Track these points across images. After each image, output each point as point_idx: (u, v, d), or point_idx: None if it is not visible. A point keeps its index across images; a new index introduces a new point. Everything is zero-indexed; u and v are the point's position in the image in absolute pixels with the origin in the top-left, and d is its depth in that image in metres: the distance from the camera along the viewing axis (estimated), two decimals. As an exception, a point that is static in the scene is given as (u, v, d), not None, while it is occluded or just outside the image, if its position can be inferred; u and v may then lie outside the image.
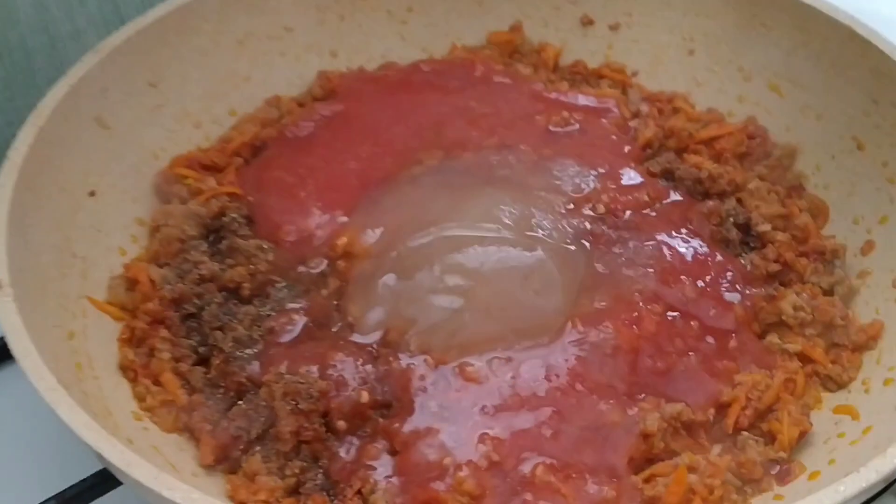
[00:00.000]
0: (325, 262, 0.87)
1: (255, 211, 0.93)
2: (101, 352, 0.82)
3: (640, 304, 0.81)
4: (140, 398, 0.80)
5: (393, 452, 0.74)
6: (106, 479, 0.75)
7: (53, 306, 0.81)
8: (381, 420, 0.76)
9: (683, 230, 0.89)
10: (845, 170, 0.97)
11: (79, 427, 0.63)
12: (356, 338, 0.81)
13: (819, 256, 0.90)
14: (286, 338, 0.82)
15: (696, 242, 0.88)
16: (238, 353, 0.81)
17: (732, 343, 0.81)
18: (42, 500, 0.76)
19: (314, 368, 0.77)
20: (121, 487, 0.74)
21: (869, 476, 0.59)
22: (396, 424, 0.75)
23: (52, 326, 0.78)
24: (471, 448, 0.72)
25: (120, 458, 0.61)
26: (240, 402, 0.78)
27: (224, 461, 0.76)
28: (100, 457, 0.62)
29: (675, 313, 0.82)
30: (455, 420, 0.74)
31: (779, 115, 1.03)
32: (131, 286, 0.87)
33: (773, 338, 0.83)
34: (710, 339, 0.81)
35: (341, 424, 0.75)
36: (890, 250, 0.90)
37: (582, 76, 1.12)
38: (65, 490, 0.77)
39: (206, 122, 1.04)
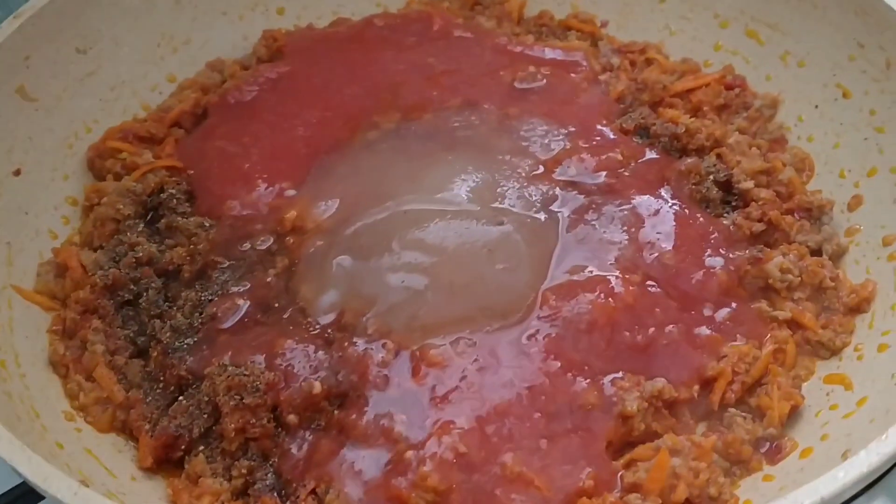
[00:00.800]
0: (272, 238, 0.80)
1: (196, 185, 0.86)
2: (29, 347, 0.75)
3: (617, 274, 0.75)
4: (72, 396, 0.73)
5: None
6: (30, 492, 0.68)
7: (-28, 297, 0.74)
8: (335, 412, 0.70)
9: (661, 191, 0.83)
10: (830, 120, 0.91)
11: (-8, 440, 0.57)
12: (308, 322, 0.74)
13: (805, 213, 0.84)
14: (230, 324, 0.75)
15: (674, 204, 0.82)
16: (178, 343, 0.74)
17: (716, 312, 0.75)
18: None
19: (261, 358, 0.71)
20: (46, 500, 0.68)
21: (870, 459, 0.54)
22: (353, 416, 0.68)
23: (-31, 320, 0.72)
24: (434, 440, 0.66)
25: (35, 471, 0.54)
26: (181, 398, 0.71)
27: (165, 462, 0.70)
28: (13, 469, 0.56)
29: (653, 283, 0.75)
30: (417, 409, 0.68)
31: (758, 63, 0.97)
32: (61, 273, 0.80)
33: (762, 305, 0.77)
34: (692, 310, 0.75)
35: (292, 419, 0.69)
36: (879, 204, 0.84)
37: (548, 28, 1.05)
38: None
39: (142, 91, 0.97)
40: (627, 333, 0.72)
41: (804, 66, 0.94)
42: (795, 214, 0.84)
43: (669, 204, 0.81)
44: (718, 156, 0.87)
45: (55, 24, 0.88)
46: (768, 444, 0.69)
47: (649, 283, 0.75)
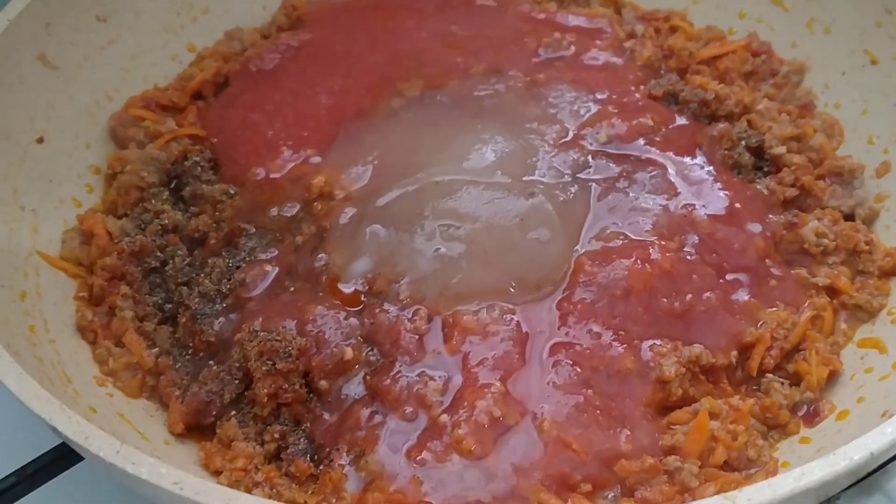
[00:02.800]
0: (299, 205, 0.79)
1: (220, 153, 0.85)
2: (57, 313, 0.74)
3: (653, 240, 0.74)
4: (101, 362, 0.73)
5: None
6: (68, 453, 0.67)
7: (1, 265, 0.73)
8: (368, 378, 0.69)
9: (693, 156, 0.82)
10: (858, 86, 0.90)
11: (29, 398, 0.56)
12: (340, 287, 0.73)
13: (836, 178, 0.83)
14: (259, 291, 0.74)
15: (708, 169, 0.81)
16: (206, 309, 0.74)
17: (755, 278, 0.74)
18: (1, 477, 0.69)
19: (291, 324, 0.70)
20: (84, 462, 0.67)
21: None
22: (386, 381, 0.68)
23: (0, 287, 0.71)
24: (469, 404, 0.65)
25: (76, 430, 0.54)
26: (211, 364, 0.71)
27: (196, 428, 0.69)
28: (53, 429, 0.55)
29: (690, 249, 0.74)
30: (451, 374, 0.67)
31: (783, 30, 0.96)
32: (87, 239, 0.80)
33: (801, 271, 0.77)
34: (730, 276, 0.74)
35: (324, 384, 0.68)
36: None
37: (571, -2, 1.04)
38: (26, 465, 0.70)
39: (163, 59, 0.96)
40: (665, 300, 0.71)
41: (830, 33, 0.93)
42: (826, 180, 0.83)
43: (704, 170, 0.80)
44: (748, 122, 0.86)
45: (75, -9, 0.87)
46: (806, 407, 0.68)
47: (686, 249, 0.74)
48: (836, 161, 0.84)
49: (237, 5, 1.01)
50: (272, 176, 0.82)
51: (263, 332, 0.69)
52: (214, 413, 0.69)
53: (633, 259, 0.72)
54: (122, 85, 0.92)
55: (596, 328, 0.69)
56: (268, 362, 0.67)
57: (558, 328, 0.69)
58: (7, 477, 0.69)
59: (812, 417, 0.68)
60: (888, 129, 0.86)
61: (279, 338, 0.68)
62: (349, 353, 0.69)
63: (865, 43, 0.90)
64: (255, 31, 1.00)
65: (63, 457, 0.70)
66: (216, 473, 0.66)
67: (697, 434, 0.63)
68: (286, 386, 0.67)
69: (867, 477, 0.56)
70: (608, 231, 0.76)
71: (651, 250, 0.73)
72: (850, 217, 0.81)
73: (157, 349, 0.74)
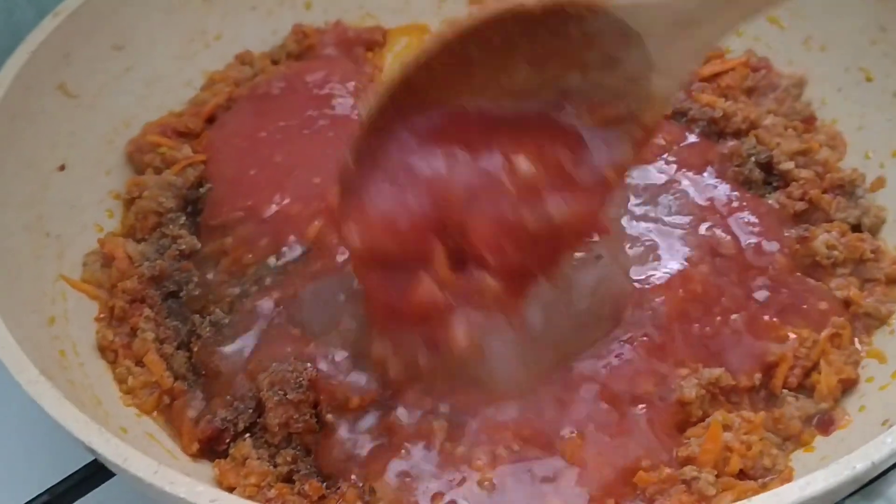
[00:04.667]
0: (300, 248, 0.80)
1: (213, 179, 0.87)
2: (84, 336, 0.77)
3: (685, 265, 0.75)
4: (121, 380, 0.75)
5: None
6: (98, 471, 0.70)
7: (30, 291, 0.75)
8: (378, 413, 0.70)
9: (706, 175, 0.84)
10: (853, 102, 0.92)
11: (68, 421, 0.59)
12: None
13: (839, 190, 0.85)
14: (268, 322, 0.75)
15: (724, 187, 0.83)
16: (218, 338, 0.76)
17: (777, 295, 0.76)
18: (33, 496, 0.71)
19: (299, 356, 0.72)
20: (114, 479, 0.70)
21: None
22: (395, 417, 0.69)
23: (30, 312, 0.73)
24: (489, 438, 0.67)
25: (115, 452, 0.56)
26: (223, 392, 0.73)
27: (208, 450, 0.71)
28: (92, 451, 0.58)
29: (718, 270, 0.76)
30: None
31: (780, 48, 0.99)
32: (107, 262, 0.82)
33: (820, 284, 0.79)
34: (755, 294, 0.75)
35: (330, 418, 0.70)
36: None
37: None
38: (56, 485, 0.72)
39: (177, 85, 0.98)
40: (696, 325, 0.72)
41: (826, 51, 0.95)
42: (830, 193, 0.85)
43: (720, 188, 0.82)
44: (756, 138, 0.88)
45: (92, 22, 0.89)
46: (818, 417, 0.70)
47: (714, 271, 0.75)
48: (837, 174, 0.86)
49: (249, 31, 1.03)
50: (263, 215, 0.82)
51: (275, 363, 0.71)
52: (228, 440, 0.70)
53: (670, 286, 0.74)
54: (139, 111, 0.94)
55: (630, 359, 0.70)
56: (279, 392, 0.69)
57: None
58: (40, 495, 0.71)
59: (827, 426, 0.69)
60: (884, 145, 0.88)
61: (291, 368, 0.70)
62: (355, 401, 0.70)
63: (860, 60, 0.92)
64: (265, 55, 1.02)
65: (92, 475, 0.72)
66: (229, 490, 0.67)
67: (711, 444, 0.65)
68: (296, 416, 0.69)
69: (869, 484, 0.58)
70: (646, 261, 0.77)
71: (683, 275, 0.74)
72: (857, 227, 0.83)
73: (173, 373, 0.76)
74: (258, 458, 0.69)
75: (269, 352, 0.72)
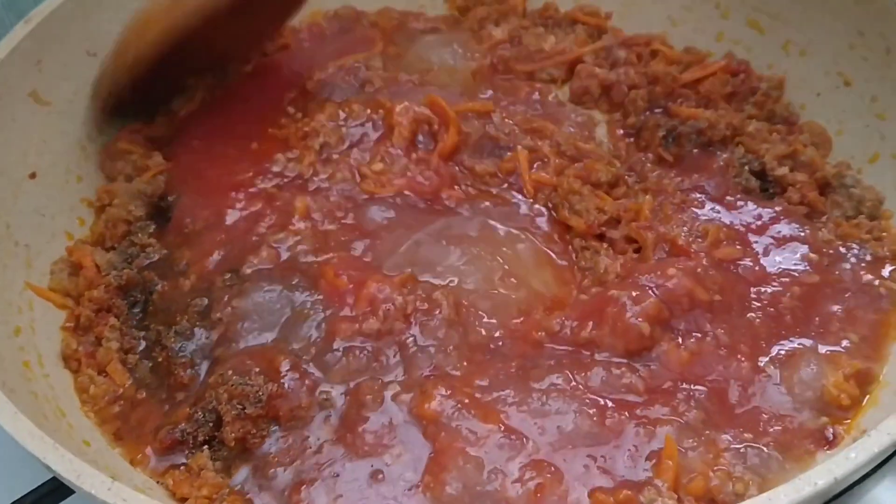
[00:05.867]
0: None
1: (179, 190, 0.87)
2: (51, 347, 0.76)
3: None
4: (82, 389, 0.74)
5: None
6: (59, 487, 0.69)
7: (-5, 301, 0.75)
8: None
9: (712, 190, 0.85)
10: (832, 107, 0.92)
11: (24, 437, 0.58)
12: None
13: (828, 187, 0.85)
14: (233, 333, 0.74)
15: (736, 198, 0.84)
16: (181, 348, 0.74)
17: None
18: (-3, 509, 0.71)
19: (260, 370, 0.71)
20: (75, 495, 0.69)
21: (880, 440, 0.55)
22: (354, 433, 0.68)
23: (-6, 323, 0.73)
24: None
25: (69, 469, 0.56)
26: (184, 403, 0.72)
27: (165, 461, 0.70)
28: (46, 467, 0.57)
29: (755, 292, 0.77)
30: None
31: (759, 52, 0.98)
32: (75, 271, 0.81)
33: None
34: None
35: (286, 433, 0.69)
36: (882, 191, 0.85)
37: (553, 20, 1.06)
38: (23, 496, 0.71)
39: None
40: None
41: (805, 55, 0.95)
42: (822, 191, 0.85)
43: (731, 202, 0.83)
44: (740, 145, 0.88)
45: (65, 28, 0.89)
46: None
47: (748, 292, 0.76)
48: (822, 171, 0.86)
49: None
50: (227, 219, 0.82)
51: (236, 377, 0.69)
52: (186, 452, 0.69)
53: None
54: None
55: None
56: (238, 406, 0.68)
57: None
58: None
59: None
60: (862, 150, 0.88)
61: (251, 382, 0.69)
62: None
63: (839, 65, 0.92)
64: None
65: (56, 489, 0.71)
66: (182, 501, 0.67)
67: (668, 458, 0.64)
68: (254, 431, 0.68)
69: (836, 498, 0.58)
70: None
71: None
72: (857, 214, 0.84)
73: (136, 381, 0.75)
74: (214, 470, 0.68)
75: (233, 363, 0.71)
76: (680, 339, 0.73)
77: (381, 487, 0.65)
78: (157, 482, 0.67)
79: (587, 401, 0.68)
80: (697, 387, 0.70)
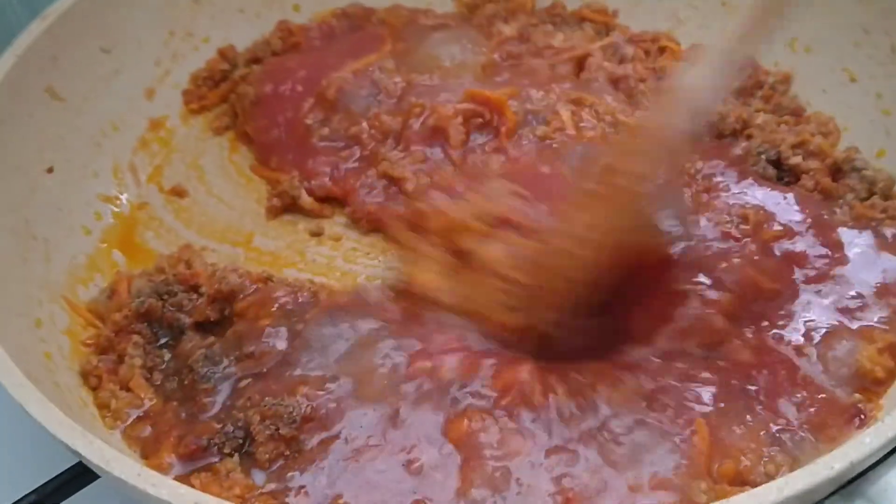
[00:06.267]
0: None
1: None
2: (70, 340, 0.77)
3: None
4: (103, 405, 0.73)
5: None
6: (84, 473, 0.70)
7: (16, 294, 0.76)
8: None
9: (734, 176, 0.86)
10: (837, 104, 0.93)
11: (52, 425, 0.59)
12: None
13: (839, 173, 0.86)
14: (267, 367, 0.73)
15: (760, 188, 0.85)
16: (210, 372, 0.74)
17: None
18: (19, 497, 0.71)
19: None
20: (100, 480, 0.70)
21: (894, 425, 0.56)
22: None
23: (17, 315, 0.74)
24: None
25: (98, 455, 0.57)
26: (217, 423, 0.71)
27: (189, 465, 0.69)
28: (76, 453, 0.58)
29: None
30: None
31: (765, 49, 0.97)
32: (111, 296, 0.81)
33: None
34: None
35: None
36: (889, 184, 0.87)
37: (561, 18, 1.07)
38: (43, 485, 0.72)
39: (165, 88, 0.99)
40: None
41: (811, 52, 0.96)
42: (834, 177, 0.86)
43: (753, 186, 0.84)
44: (748, 136, 0.89)
45: (80, 25, 0.90)
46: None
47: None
48: (831, 157, 0.87)
49: (236, 34, 1.03)
50: None
51: (268, 398, 0.69)
52: (212, 460, 0.68)
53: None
54: (126, 114, 0.95)
55: None
56: (271, 427, 0.68)
57: None
58: (26, 496, 0.71)
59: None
60: (867, 145, 0.89)
61: (285, 403, 0.69)
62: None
63: (845, 61, 0.93)
64: (248, 51, 1.02)
65: (79, 476, 0.71)
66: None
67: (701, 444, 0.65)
68: (287, 452, 0.68)
69: (849, 483, 0.59)
70: None
71: None
72: (871, 194, 0.85)
73: (159, 397, 0.74)
74: (243, 473, 0.67)
75: (261, 387, 0.71)
76: (744, 334, 0.73)
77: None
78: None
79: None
80: (750, 382, 0.71)
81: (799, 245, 0.79)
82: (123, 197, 0.92)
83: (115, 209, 0.91)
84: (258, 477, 0.67)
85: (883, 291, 0.76)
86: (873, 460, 0.56)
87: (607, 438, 0.67)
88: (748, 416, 0.68)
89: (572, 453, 0.66)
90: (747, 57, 0.69)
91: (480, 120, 0.91)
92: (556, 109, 0.92)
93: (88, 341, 0.78)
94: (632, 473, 0.64)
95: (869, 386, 0.71)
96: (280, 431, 0.68)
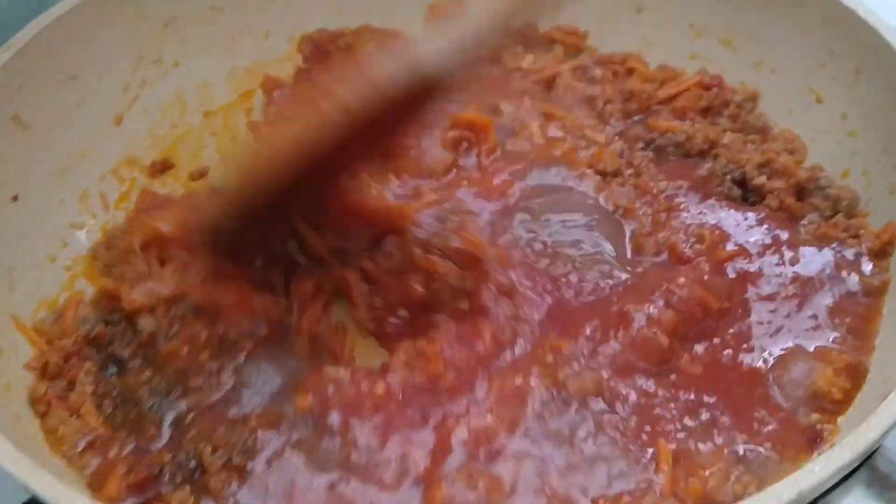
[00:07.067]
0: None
1: None
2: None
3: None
4: (51, 431, 0.72)
5: None
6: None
7: (-22, 323, 0.76)
8: None
9: (700, 197, 0.88)
10: (803, 125, 0.94)
11: (4, 460, 0.59)
12: None
13: (803, 191, 0.87)
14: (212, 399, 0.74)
15: (722, 207, 0.86)
16: (156, 405, 0.74)
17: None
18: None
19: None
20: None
21: (843, 455, 0.56)
22: None
23: (-23, 346, 0.74)
24: None
25: (51, 492, 0.56)
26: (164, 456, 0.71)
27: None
28: (27, 489, 0.58)
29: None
30: None
31: (732, 70, 1.00)
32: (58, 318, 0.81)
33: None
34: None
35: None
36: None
37: (532, 39, 1.08)
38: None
39: (133, 114, 0.99)
40: None
41: (776, 73, 0.97)
42: (799, 196, 0.87)
43: (715, 206, 0.86)
44: (719, 156, 0.90)
45: (47, 52, 0.90)
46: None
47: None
48: (796, 177, 0.87)
49: (204, 61, 1.04)
50: None
51: (221, 428, 0.70)
52: (162, 489, 0.68)
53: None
54: (92, 141, 0.94)
55: None
56: (223, 456, 0.68)
57: None
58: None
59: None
60: (831, 166, 0.90)
61: (237, 432, 0.69)
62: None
63: (810, 82, 0.94)
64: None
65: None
66: None
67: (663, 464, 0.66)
68: (240, 480, 0.68)
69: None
70: None
71: None
72: (835, 213, 0.86)
73: (109, 425, 0.74)
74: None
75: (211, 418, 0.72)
76: (694, 351, 0.75)
77: None
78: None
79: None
80: (707, 396, 0.72)
81: (755, 265, 0.80)
82: (90, 224, 0.91)
83: (82, 237, 0.90)
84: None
85: (838, 311, 0.77)
86: (824, 489, 0.56)
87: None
88: (712, 433, 0.70)
89: None
90: (491, 35, 0.71)
91: (466, 144, 0.93)
92: (525, 122, 0.94)
93: (32, 364, 0.77)
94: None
95: (827, 406, 0.71)
96: (233, 461, 0.68)
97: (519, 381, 0.72)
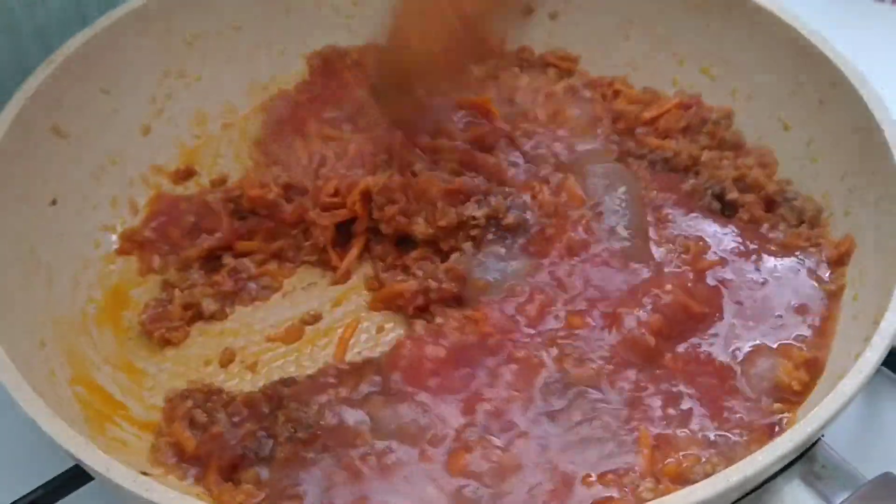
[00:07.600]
0: None
1: None
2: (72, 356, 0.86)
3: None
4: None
5: None
6: (77, 476, 0.78)
7: (23, 316, 0.84)
8: None
9: (685, 209, 0.97)
10: (773, 150, 1.02)
11: (59, 437, 0.67)
12: None
13: (773, 203, 0.96)
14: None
15: (713, 223, 0.96)
16: None
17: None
18: (13, 500, 0.78)
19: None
20: (92, 483, 0.78)
21: (783, 444, 0.65)
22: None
23: (23, 336, 0.82)
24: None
25: (101, 463, 0.65)
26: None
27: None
28: (78, 461, 0.66)
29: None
30: None
31: (710, 96, 1.08)
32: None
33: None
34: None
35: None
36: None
37: (528, 62, 1.16)
38: (37, 488, 0.79)
39: (159, 125, 1.07)
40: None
41: (751, 100, 1.05)
42: (770, 209, 0.96)
43: (697, 219, 0.95)
44: (699, 173, 0.99)
45: (83, 68, 0.98)
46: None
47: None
48: (764, 190, 0.97)
49: (227, 73, 1.12)
50: None
51: (293, 404, 0.78)
52: (247, 466, 0.76)
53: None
54: (124, 150, 1.03)
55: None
56: (290, 429, 0.76)
57: None
58: (19, 500, 0.78)
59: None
60: (797, 187, 0.98)
61: (306, 409, 0.77)
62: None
63: (780, 110, 1.02)
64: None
65: (71, 479, 0.79)
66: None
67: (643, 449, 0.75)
68: (304, 454, 0.75)
69: (751, 492, 0.68)
70: None
71: None
72: (800, 223, 0.95)
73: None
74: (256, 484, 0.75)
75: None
76: (676, 349, 0.84)
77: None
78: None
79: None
80: (685, 388, 0.81)
81: (729, 273, 0.90)
82: (120, 226, 1.00)
83: (112, 238, 0.99)
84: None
85: (801, 311, 0.86)
86: (768, 474, 0.65)
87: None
88: (688, 421, 0.79)
89: None
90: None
91: None
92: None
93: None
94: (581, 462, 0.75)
95: (788, 397, 0.80)
96: (297, 434, 0.76)
97: (541, 356, 0.82)
